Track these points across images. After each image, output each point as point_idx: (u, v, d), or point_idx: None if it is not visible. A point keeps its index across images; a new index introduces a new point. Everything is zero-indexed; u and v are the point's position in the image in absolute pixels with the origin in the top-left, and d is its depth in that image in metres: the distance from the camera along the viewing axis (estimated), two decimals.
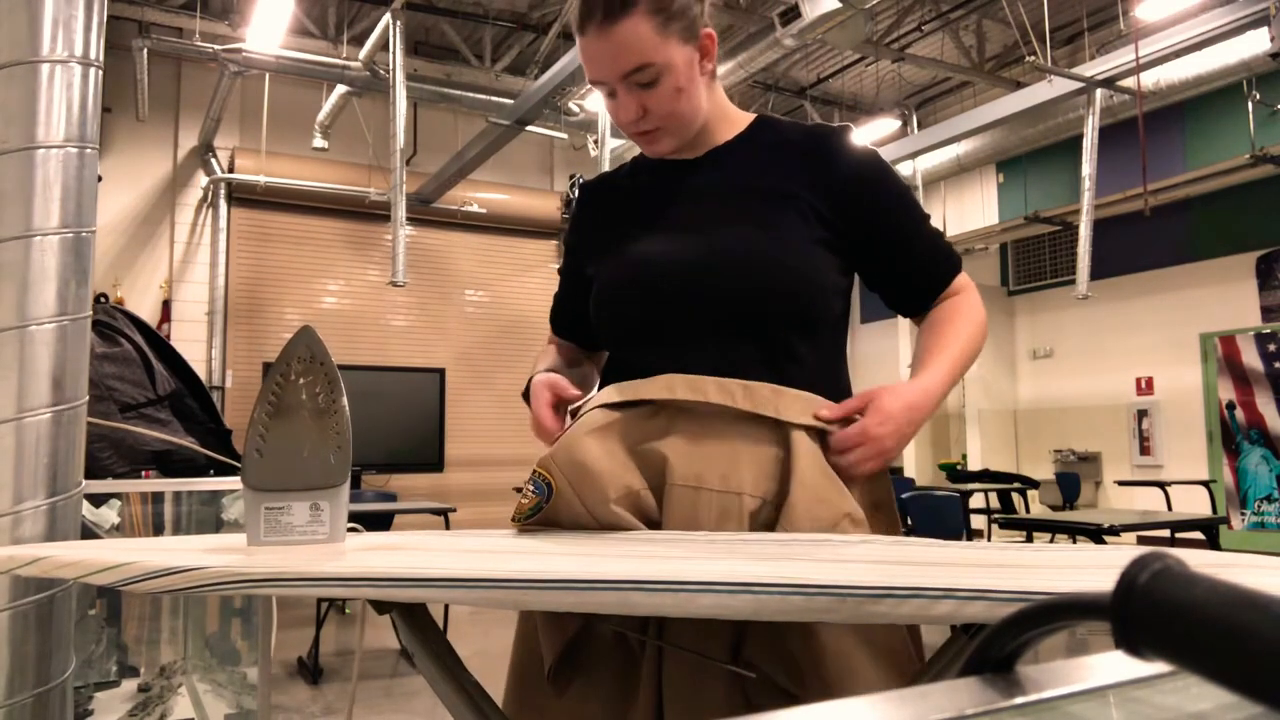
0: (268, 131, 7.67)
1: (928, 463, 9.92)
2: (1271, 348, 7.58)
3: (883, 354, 10.03)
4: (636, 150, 1.19)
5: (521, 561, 0.75)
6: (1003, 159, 8.58)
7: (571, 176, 7.78)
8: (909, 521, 4.74)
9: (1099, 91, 6.64)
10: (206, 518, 2.34)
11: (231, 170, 7.71)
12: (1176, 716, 0.30)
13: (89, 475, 1.07)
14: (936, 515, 4.84)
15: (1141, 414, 8.55)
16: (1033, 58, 6.30)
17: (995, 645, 0.33)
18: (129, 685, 2.28)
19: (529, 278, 8.95)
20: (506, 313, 8.85)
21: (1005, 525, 5.53)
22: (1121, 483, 8.06)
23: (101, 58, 1.05)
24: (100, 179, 1.17)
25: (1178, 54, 6.05)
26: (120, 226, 7.42)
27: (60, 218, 1.00)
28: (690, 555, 0.77)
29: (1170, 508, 6.95)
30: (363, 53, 6.79)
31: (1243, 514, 7.66)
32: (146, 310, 7.27)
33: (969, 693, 0.31)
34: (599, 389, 1.08)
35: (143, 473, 2.51)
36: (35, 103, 0.99)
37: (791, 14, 5.52)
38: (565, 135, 7.71)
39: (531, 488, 0.96)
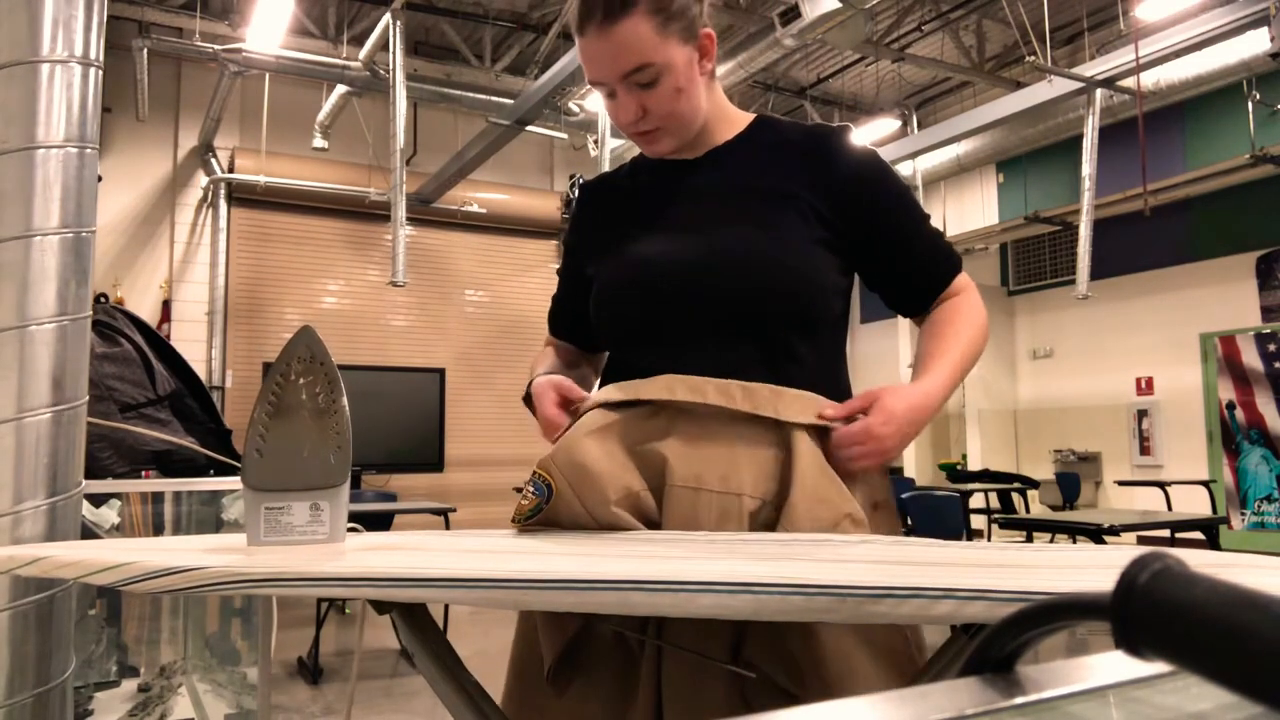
0: (268, 131, 7.67)
1: (928, 463, 9.92)
2: (1271, 348, 7.58)
3: (883, 354, 10.03)
4: (636, 150, 1.19)
5: (521, 561, 0.75)
6: (1003, 159, 8.58)
7: (571, 176, 7.77)
8: (909, 521, 4.74)
9: (1099, 91, 6.64)
10: (206, 518, 2.34)
11: (231, 170, 7.71)
12: (1176, 716, 0.30)
13: (89, 475, 1.07)
14: (936, 515, 4.84)
15: (1141, 414, 8.55)
16: (1033, 58, 6.30)
17: (995, 645, 0.33)
18: (129, 685, 2.28)
19: (529, 278, 8.95)
20: (506, 313, 8.85)
21: (1005, 525, 5.53)
22: (1121, 483, 8.06)
23: (101, 58, 1.05)
24: (100, 179, 1.17)
25: (1178, 54, 6.05)
26: (120, 226, 7.42)
27: (60, 218, 1.00)
28: (690, 555, 0.77)
29: (1170, 508, 6.94)
30: (363, 53, 6.79)
31: (1243, 514, 7.66)
32: (146, 310, 7.27)
33: (969, 693, 0.31)
34: (599, 389, 1.08)
35: (143, 473, 2.51)
36: (35, 103, 0.99)
37: (791, 14, 5.52)
38: (565, 135, 7.71)
39: (531, 489, 0.96)
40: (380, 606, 0.87)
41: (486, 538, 0.96)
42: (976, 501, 7.09)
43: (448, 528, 4.17)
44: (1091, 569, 0.74)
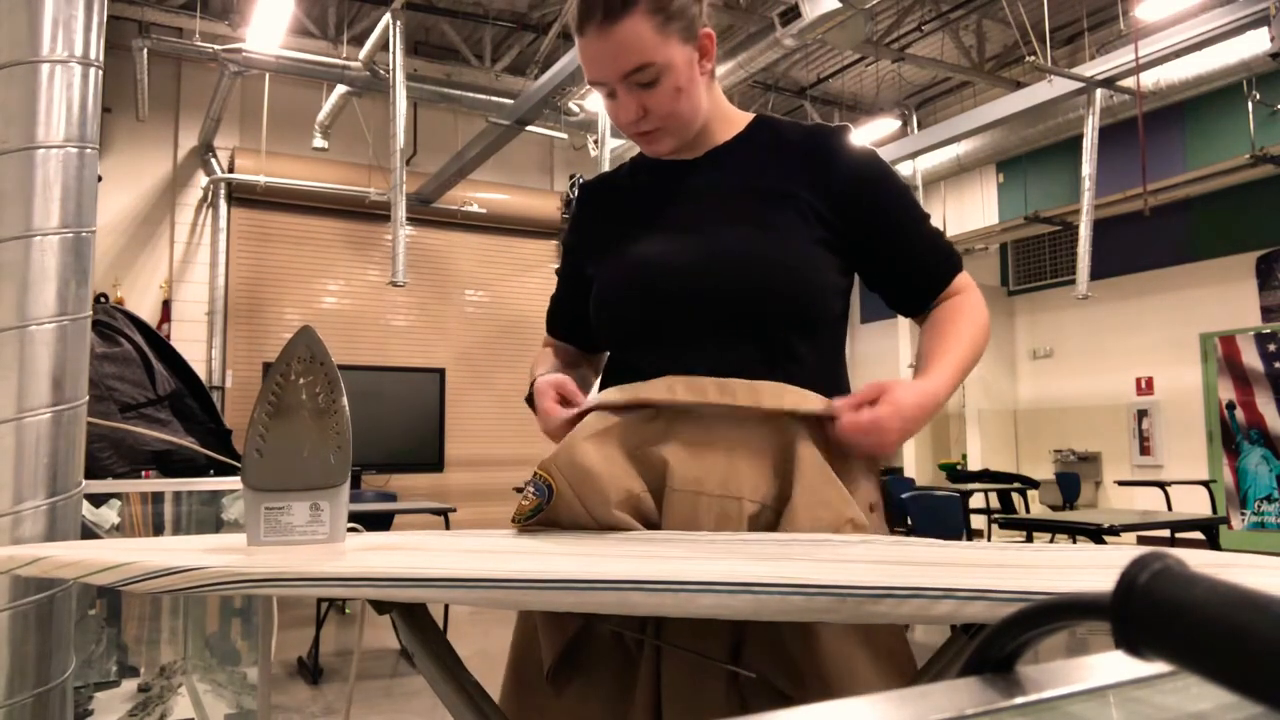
0: (268, 131, 7.67)
1: (928, 463, 9.92)
2: (1271, 348, 7.58)
3: (883, 354, 10.03)
4: (636, 150, 1.19)
5: (521, 561, 0.75)
6: (1003, 159, 8.58)
7: (571, 176, 7.77)
8: (909, 521, 4.74)
9: (1099, 91, 6.64)
10: (206, 518, 2.34)
11: (231, 170, 7.71)
12: (1176, 716, 0.30)
13: (89, 475, 1.07)
14: (936, 515, 4.84)
15: (1141, 414, 8.55)
16: (1033, 58, 6.30)
17: (995, 645, 0.33)
18: (129, 685, 2.28)
19: (529, 278, 8.95)
20: (506, 313, 8.85)
21: (1005, 525, 5.53)
22: (1121, 483, 8.06)
23: (101, 58, 1.05)
24: (100, 179, 1.17)
25: (1178, 54, 6.05)
26: (120, 226, 7.42)
27: (60, 218, 1.00)
28: (690, 555, 0.77)
29: (1170, 508, 6.94)
30: (363, 53, 6.79)
31: (1243, 514, 7.66)
32: (146, 310, 7.27)
33: (969, 693, 0.31)
34: (599, 390, 1.08)
35: (143, 473, 2.51)
36: (35, 103, 0.99)
37: (791, 14, 5.52)
38: (565, 135, 7.71)
39: (532, 490, 0.96)
40: (380, 606, 0.87)
41: (486, 538, 0.96)
42: (976, 501, 7.09)
43: (448, 528, 4.17)
44: (1091, 569, 0.74)
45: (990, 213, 9.08)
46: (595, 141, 7.07)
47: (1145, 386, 8.57)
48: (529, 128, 6.98)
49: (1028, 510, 7.17)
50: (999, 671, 0.32)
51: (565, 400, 1.08)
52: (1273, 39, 5.62)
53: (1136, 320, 8.61)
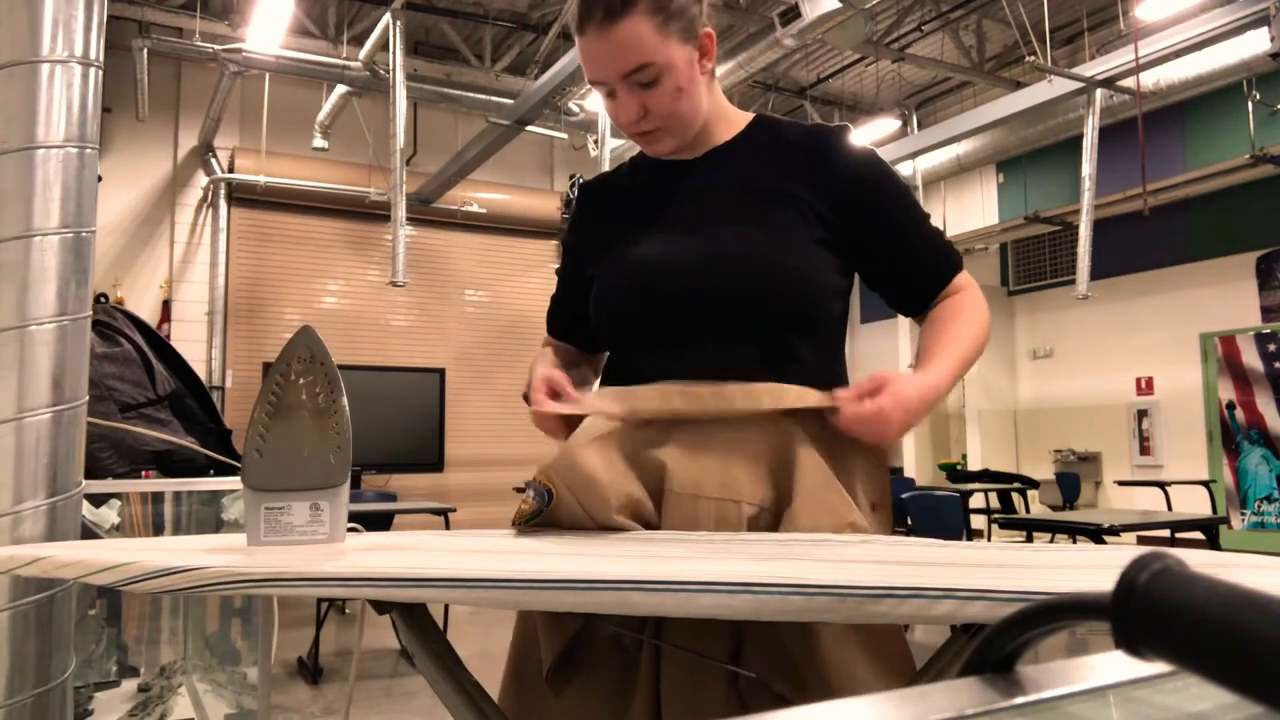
0: (268, 131, 7.67)
1: (928, 463, 9.92)
2: (1271, 348, 7.58)
3: (883, 354, 10.03)
4: (636, 150, 1.19)
5: (521, 561, 0.75)
6: (1003, 159, 8.58)
7: (571, 176, 7.77)
8: (909, 521, 4.74)
9: (1099, 91, 6.64)
10: (206, 518, 2.34)
11: (231, 170, 7.71)
12: (1176, 716, 0.30)
13: (89, 475, 1.07)
14: (936, 515, 4.84)
15: (1141, 414, 8.55)
16: (1033, 58, 6.30)
17: (995, 645, 0.33)
18: (129, 685, 2.28)
19: (529, 278, 8.95)
20: (506, 313, 8.85)
21: (1005, 525, 5.53)
22: (1121, 483, 8.06)
23: (101, 58, 1.05)
24: (100, 179, 1.17)
25: (1178, 54, 6.05)
26: (120, 226, 7.42)
27: (60, 218, 1.00)
28: (690, 555, 0.77)
29: (1170, 508, 6.94)
30: (363, 53, 6.79)
31: (1243, 514, 7.66)
32: (146, 310, 7.27)
33: (969, 693, 0.31)
34: (597, 393, 1.08)
35: (143, 473, 2.50)
36: (35, 103, 0.99)
37: (791, 14, 5.52)
38: (565, 135, 7.71)
39: (532, 495, 0.96)
40: (380, 606, 0.87)
41: (486, 538, 0.96)
42: (976, 501, 7.09)
43: (448, 528, 4.17)
44: (1091, 569, 0.74)
45: (990, 213, 9.08)
46: (595, 141, 7.07)
47: (1145, 386, 8.57)
48: (529, 128, 6.98)
49: (1028, 510, 7.17)
50: (999, 671, 0.32)
51: (555, 394, 1.08)
52: (1273, 39, 5.62)
53: (1136, 320, 8.61)
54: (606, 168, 6.28)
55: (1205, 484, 7.34)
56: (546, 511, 0.95)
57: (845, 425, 0.96)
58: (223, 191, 7.70)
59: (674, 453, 0.96)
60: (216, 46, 6.61)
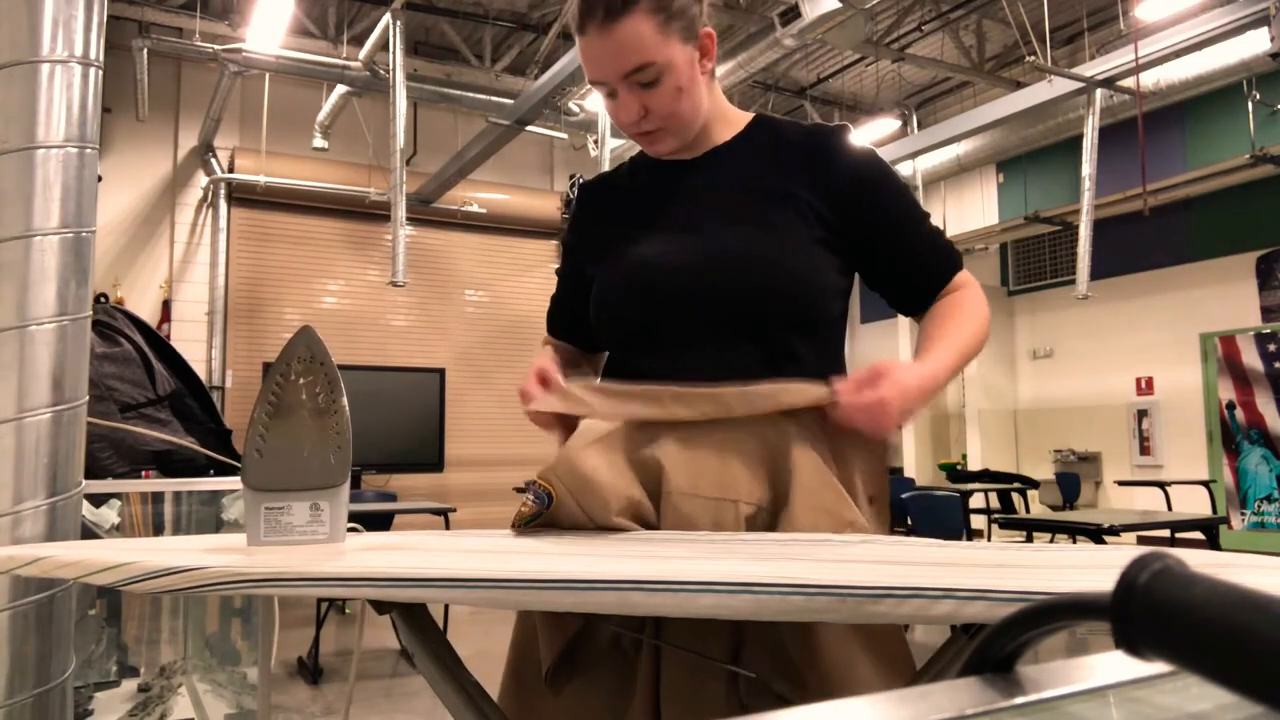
0: (268, 131, 7.67)
1: (928, 463, 9.92)
2: (1271, 348, 7.58)
3: (882, 354, 10.02)
4: (636, 150, 1.19)
5: (521, 561, 0.75)
6: (1003, 159, 8.58)
7: (571, 176, 7.77)
8: (909, 521, 4.74)
9: (1099, 91, 6.64)
10: (206, 518, 2.34)
11: (231, 170, 7.71)
12: (1176, 716, 0.30)
13: (89, 475, 1.07)
14: (936, 515, 4.84)
15: (1141, 414, 8.55)
16: (1033, 58, 6.30)
17: (995, 645, 0.33)
18: (129, 685, 2.28)
19: (529, 278, 8.95)
20: (506, 313, 8.85)
21: (1005, 525, 5.53)
22: (1121, 483, 8.06)
23: (101, 58, 1.05)
24: (100, 179, 1.17)
25: (1178, 54, 6.05)
26: (120, 226, 7.42)
27: (60, 218, 1.00)
28: (690, 555, 0.77)
29: (1170, 508, 6.94)
30: (363, 53, 6.79)
31: (1243, 514, 7.66)
32: (146, 310, 7.27)
33: (969, 693, 0.31)
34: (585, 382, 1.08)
35: (143, 473, 2.50)
36: (35, 103, 0.99)
37: (791, 14, 5.52)
38: (565, 135, 7.71)
39: (531, 498, 0.96)
40: (380, 606, 0.87)
41: (486, 538, 0.96)
42: (976, 501, 7.09)
43: (448, 528, 4.17)
44: (1091, 569, 0.74)
45: (990, 213, 9.08)
46: (595, 141, 7.07)
47: (1145, 386, 8.57)
48: (529, 128, 6.98)
49: (1028, 510, 7.17)
50: (999, 671, 0.32)
51: (544, 381, 1.08)
52: (1273, 39, 5.62)
53: (1136, 320, 8.61)
54: (606, 168, 6.27)
55: (1205, 484, 7.34)
56: (546, 514, 0.95)
57: (845, 417, 0.96)
58: (223, 191, 7.70)
59: (671, 453, 0.96)
60: (216, 46, 6.61)
